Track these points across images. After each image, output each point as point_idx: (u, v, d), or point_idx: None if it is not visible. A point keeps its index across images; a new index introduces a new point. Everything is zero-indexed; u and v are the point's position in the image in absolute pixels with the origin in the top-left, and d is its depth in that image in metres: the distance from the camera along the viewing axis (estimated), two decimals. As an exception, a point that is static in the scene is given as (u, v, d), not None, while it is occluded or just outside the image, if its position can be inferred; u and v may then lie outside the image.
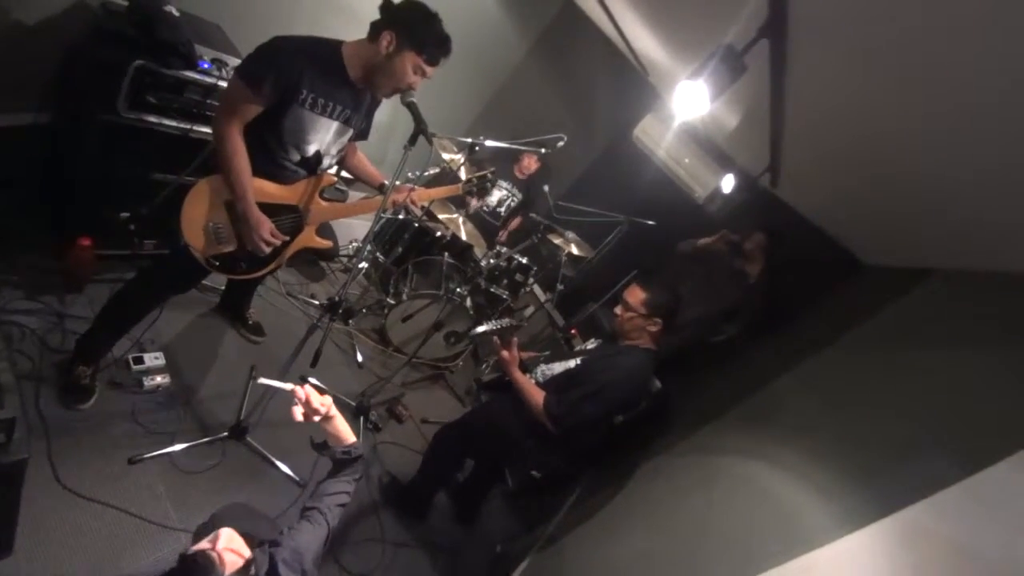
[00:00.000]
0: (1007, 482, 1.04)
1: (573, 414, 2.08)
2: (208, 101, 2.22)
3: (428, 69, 1.76)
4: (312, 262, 3.56)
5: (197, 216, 1.78)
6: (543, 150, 2.93)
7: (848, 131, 1.60)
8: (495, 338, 2.54)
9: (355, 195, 3.34)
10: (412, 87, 1.77)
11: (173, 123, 2.20)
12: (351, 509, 1.33)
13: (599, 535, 2.30)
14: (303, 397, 1.32)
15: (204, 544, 1.02)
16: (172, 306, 2.29)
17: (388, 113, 3.78)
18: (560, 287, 3.52)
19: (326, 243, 2.18)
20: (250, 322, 2.77)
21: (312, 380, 2.50)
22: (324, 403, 1.34)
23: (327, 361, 2.43)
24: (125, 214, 2.34)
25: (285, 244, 1.99)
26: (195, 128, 2.22)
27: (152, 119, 2.15)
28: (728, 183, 3.36)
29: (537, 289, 4.02)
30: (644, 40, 2.76)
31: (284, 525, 1.24)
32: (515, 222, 4.16)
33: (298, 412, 1.32)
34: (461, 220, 3.53)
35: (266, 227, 1.82)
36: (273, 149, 1.80)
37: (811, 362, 2.19)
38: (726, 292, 2.99)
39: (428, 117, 1.75)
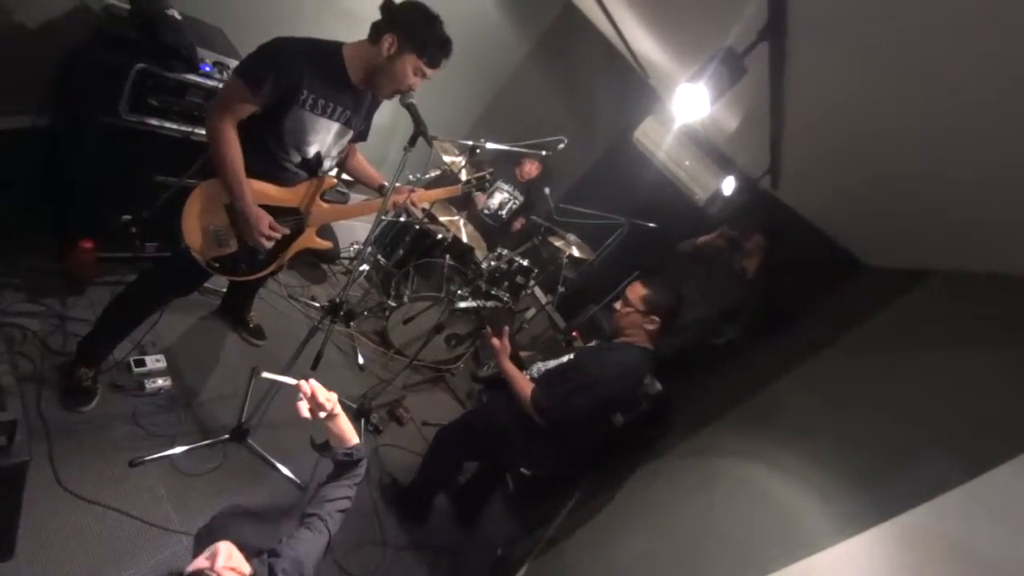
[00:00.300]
0: (1009, 485, 1.04)
1: (560, 407, 2.06)
2: (210, 104, 2.23)
3: (429, 71, 1.76)
4: (313, 264, 3.57)
5: (197, 219, 1.78)
6: (544, 152, 2.93)
7: (848, 131, 1.60)
8: (487, 328, 2.53)
9: (356, 197, 3.35)
10: (412, 88, 1.78)
11: (175, 126, 2.21)
12: (351, 511, 1.32)
13: (600, 537, 2.29)
14: (308, 391, 1.29)
15: (203, 562, 1.00)
16: (173, 308, 2.29)
17: (389, 115, 3.79)
18: (561, 289, 3.52)
19: (326, 244, 2.19)
20: (251, 325, 2.77)
21: (313, 382, 2.49)
22: (330, 398, 1.31)
23: (328, 363, 2.43)
24: (126, 217, 2.34)
25: (285, 243, 1.99)
26: (197, 131, 2.23)
27: (154, 122, 2.16)
28: (728, 185, 3.36)
29: (538, 291, 4.02)
30: (644, 42, 2.76)
31: (284, 530, 1.23)
32: (516, 224, 4.16)
33: (304, 407, 1.29)
34: (462, 222, 3.54)
35: (264, 221, 1.80)
36: (274, 151, 1.80)
37: (811, 363, 2.18)
38: (726, 291, 2.99)
39: (428, 119, 1.76)
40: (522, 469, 2.83)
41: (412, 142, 1.74)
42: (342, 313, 2.02)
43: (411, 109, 1.75)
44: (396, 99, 1.81)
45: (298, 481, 2.29)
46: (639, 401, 2.85)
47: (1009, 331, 1.38)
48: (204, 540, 1.34)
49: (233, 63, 2.28)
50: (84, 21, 2.20)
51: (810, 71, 1.45)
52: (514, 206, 4.08)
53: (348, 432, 1.35)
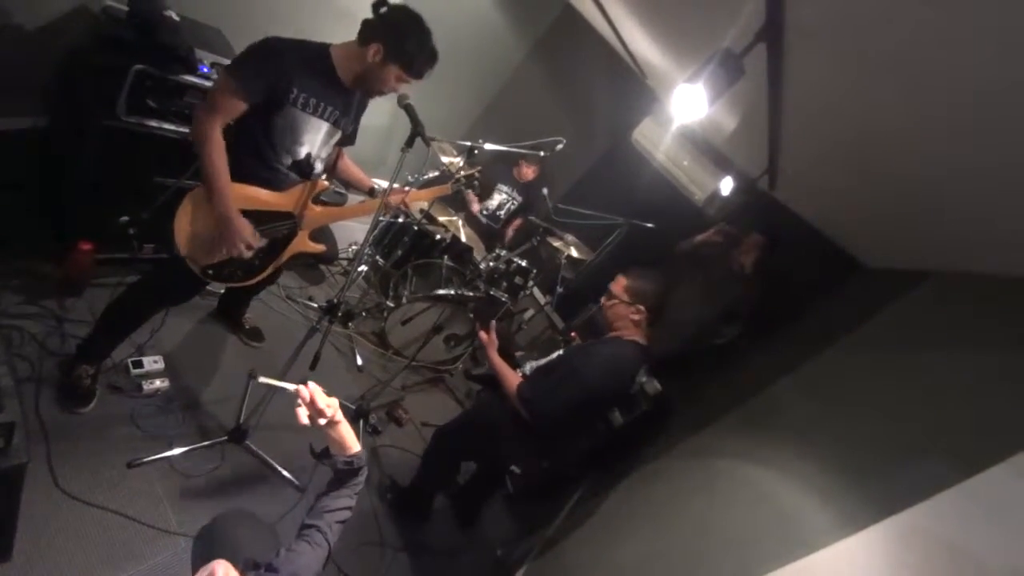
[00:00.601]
0: (1006, 484, 1.04)
1: (545, 399, 2.04)
2: (198, 105, 2.22)
3: (413, 80, 1.80)
4: (311, 265, 3.56)
5: (189, 227, 1.77)
6: (542, 153, 2.93)
7: (846, 132, 1.60)
8: (476, 323, 2.51)
9: (354, 199, 3.35)
10: (396, 91, 1.81)
11: (173, 127, 2.21)
12: (350, 512, 1.31)
13: (600, 538, 2.29)
14: (307, 397, 1.22)
15: None
16: (171, 310, 2.29)
17: (387, 116, 3.80)
18: (560, 290, 3.52)
19: (319, 248, 2.19)
20: (248, 327, 2.77)
21: (312, 387, 2.50)
22: (330, 404, 1.24)
23: (326, 364, 2.43)
24: (125, 218, 2.34)
25: (279, 248, 1.99)
26: (195, 132, 2.23)
27: (152, 123, 2.16)
28: (727, 185, 3.36)
29: (537, 292, 4.02)
30: (642, 44, 2.77)
31: (283, 539, 1.20)
32: (515, 224, 4.17)
33: (303, 414, 1.22)
34: (461, 223, 3.54)
35: (247, 230, 1.80)
36: (266, 154, 1.80)
37: (810, 364, 2.18)
38: (725, 289, 3.00)
39: (427, 120, 1.76)
40: (512, 467, 2.81)
41: (410, 143, 1.74)
42: (340, 314, 2.01)
43: (409, 110, 1.76)
44: (394, 100, 1.81)
45: (297, 483, 2.29)
46: (636, 398, 2.84)
47: (1008, 332, 1.38)
48: (203, 542, 1.33)
49: (231, 64, 2.28)
50: (83, 22, 2.20)
51: (807, 72, 1.45)
52: (512, 207, 4.09)
53: (349, 439, 1.28)
